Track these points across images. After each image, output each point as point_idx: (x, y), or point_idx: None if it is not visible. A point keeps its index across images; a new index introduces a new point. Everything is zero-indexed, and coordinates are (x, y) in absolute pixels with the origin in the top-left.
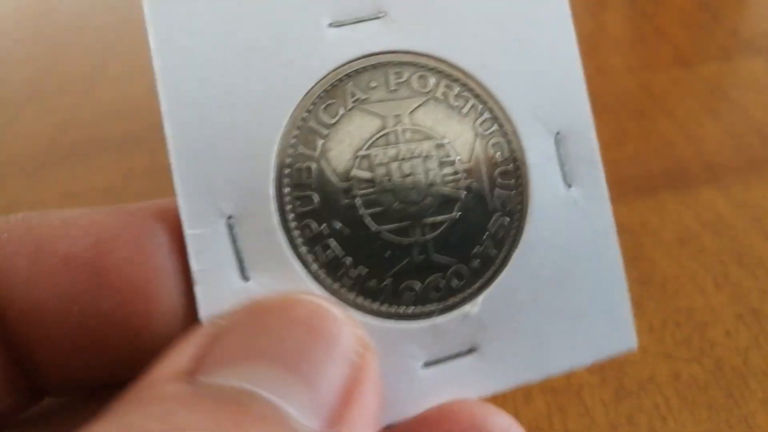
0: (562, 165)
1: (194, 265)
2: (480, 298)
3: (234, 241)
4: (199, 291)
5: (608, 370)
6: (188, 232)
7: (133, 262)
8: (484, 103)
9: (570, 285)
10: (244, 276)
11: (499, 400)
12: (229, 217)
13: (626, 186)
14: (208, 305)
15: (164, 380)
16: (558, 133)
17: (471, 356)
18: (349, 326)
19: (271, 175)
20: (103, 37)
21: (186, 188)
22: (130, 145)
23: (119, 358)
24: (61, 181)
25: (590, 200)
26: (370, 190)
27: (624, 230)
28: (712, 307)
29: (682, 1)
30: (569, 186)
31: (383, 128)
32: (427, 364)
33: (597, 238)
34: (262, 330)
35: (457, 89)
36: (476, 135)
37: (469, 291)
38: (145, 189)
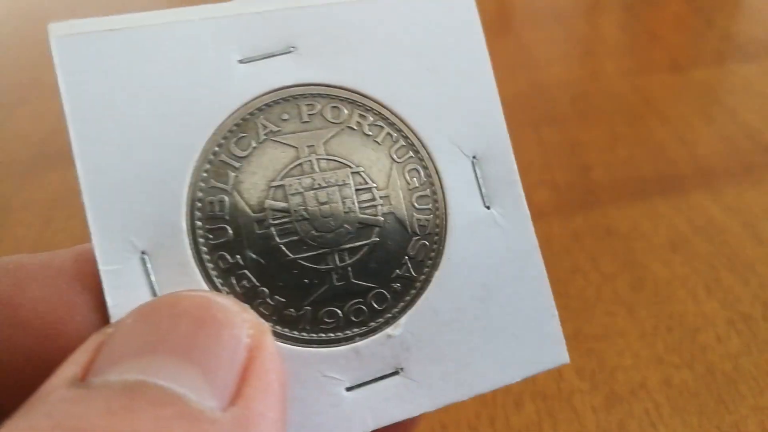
0: (480, 187)
1: (109, 300)
2: (402, 320)
3: (148, 275)
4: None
5: (599, 376)
6: (102, 268)
7: (47, 300)
8: (398, 131)
9: (493, 303)
10: None
11: (489, 407)
12: (143, 252)
13: (619, 190)
14: None
15: (55, 387)
16: (474, 157)
17: (396, 377)
18: (237, 312)
19: (184, 209)
20: None
21: (98, 226)
22: None
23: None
24: (50, 185)
25: (510, 220)
26: (285, 219)
27: (617, 235)
28: (704, 313)
29: (677, 6)
30: (488, 207)
31: (297, 158)
32: (351, 388)
33: (519, 256)
34: (150, 327)
35: (371, 118)
36: (392, 162)
37: (391, 313)
38: None
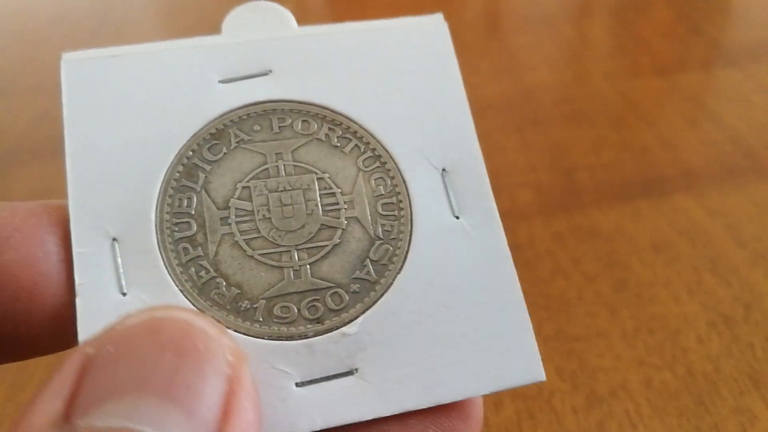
0: (449, 197)
1: (77, 278)
2: (359, 320)
3: (115, 259)
4: (79, 302)
5: (579, 376)
6: (76, 250)
7: (22, 265)
8: (366, 143)
9: (460, 311)
10: (122, 291)
11: None
12: (114, 239)
13: (602, 193)
14: (86, 315)
15: (39, 429)
16: (444, 169)
17: (350, 378)
18: (219, 338)
19: (154, 203)
20: (79, 34)
21: (77, 214)
22: None
23: (6, 344)
24: (31, 178)
25: (480, 230)
26: (248, 218)
27: (599, 237)
28: (686, 314)
29: (663, 11)
30: (457, 217)
31: (265, 163)
32: (301, 384)
33: (489, 266)
34: (132, 358)
35: (339, 132)
36: (359, 170)
37: (349, 313)
38: None
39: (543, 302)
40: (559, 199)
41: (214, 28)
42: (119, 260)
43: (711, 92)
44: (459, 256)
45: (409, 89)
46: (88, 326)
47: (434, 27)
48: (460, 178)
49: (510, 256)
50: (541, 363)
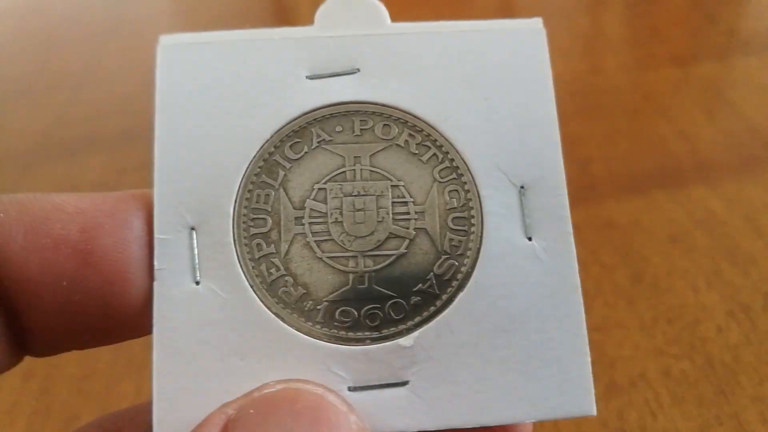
0: (524, 217)
1: (156, 264)
2: (416, 333)
3: (192, 249)
4: (156, 287)
5: (599, 366)
6: (157, 236)
7: (115, 250)
8: (445, 153)
9: (519, 336)
10: (196, 280)
11: None
12: (192, 228)
13: (619, 184)
14: (161, 300)
15: None
16: (522, 187)
17: (402, 389)
18: (348, 414)
19: (233, 197)
20: (96, 34)
21: (161, 201)
22: (123, 142)
23: (95, 327)
24: (53, 178)
25: (553, 255)
26: (321, 219)
27: (616, 228)
28: (704, 305)
29: (678, 1)
30: (530, 238)
31: (343, 166)
32: (354, 389)
33: (556, 293)
34: (271, 422)
35: (419, 138)
36: (434, 180)
37: (407, 325)
38: (137, 185)
39: None
40: (576, 191)
41: (232, 25)
42: (196, 250)
43: (727, 82)
44: (526, 280)
45: (497, 98)
46: (163, 311)
47: (531, 33)
48: (538, 198)
49: (579, 284)
50: (594, 398)
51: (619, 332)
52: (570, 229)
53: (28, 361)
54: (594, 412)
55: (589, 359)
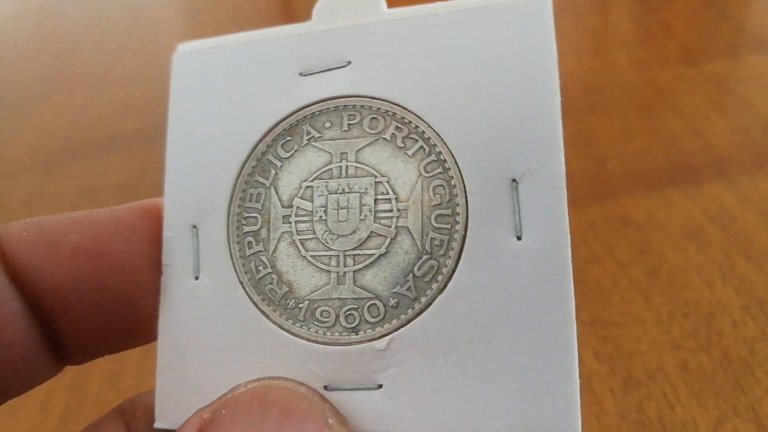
0: (514, 214)
1: (163, 259)
2: (391, 336)
3: (195, 245)
4: (162, 281)
5: (617, 360)
6: (164, 233)
7: (127, 250)
8: (432, 145)
9: (500, 344)
10: (195, 276)
11: None
12: (194, 226)
13: (633, 181)
14: (166, 293)
15: None
16: (514, 180)
17: (374, 392)
18: (319, 401)
19: (228, 195)
20: (112, 35)
21: (168, 201)
22: (143, 142)
23: (122, 327)
24: (76, 178)
25: (544, 256)
26: (306, 218)
27: (631, 224)
28: (719, 299)
29: None
30: (519, 237)
31: (330, 163)
32: (328, 388)
33: (546, 299)
34: (243, 418)
35: (406, 131)
36: (419, 175)
37: (383, 327)
38: (158, 184)
39: (579, 289)
40: (591, 188)
41: (242, 25)
42: (197, 246)
43: (739, 78)
44: (511, 283)
45: (491, 82)
46: (166, 305)
47: (536, 9)
48: (532, 192)
49: (572, 289)
50: (579, 416)
51: (636, 327)
52: (566, 227)
53: None
54: (577, 429)
55: (576, 372)
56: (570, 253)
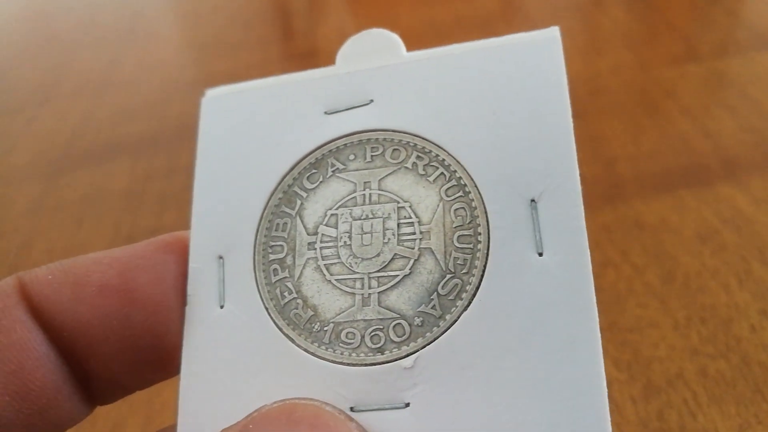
0: (534, 231)
1: (189, 290)
2: (418, 355)
3: (220, 274)
4: (186, 311)
5: (635, 367)
6: (191, 265)
7: (152, 285)
8: (452, 172)
9: (527, 359)
10: (220, 304)
11: None
12: (220, 257)
13: (644, 183)
14: (190, 323)
15: None
16: (533, 200)
17: (401, 411)
18: (344, 420)
19: (256, 226)
20: (111, 37)
21: (195, 235)
22: (146, 148)
23: (149, 361)
24: (79, 185)
25: (566, 270)
26: (331, 244)
27: (645, 228)
28: (736, 303)
29: None
30: (541, 254)
31: (354, 192)
32: (355, 410)
33: (570, 313)
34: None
35: (426, 160)
36: (441, 199)
37: (409, 346)
38: (164, 192)
39: (595, 295)
40: (602, 191)
41: (242, 29)
42: (224, 275)
43: (748, 77)
44: (535, 297)
45: (506, 110)
46: (190, 333)
47: (547, 43)
48: (551, 210)
49: (594, 301)
50: (609, 426)
51: (653, 332)
52: (585, 242)
53: None
54: None
55: (604, 383)
56: (590, 266)
